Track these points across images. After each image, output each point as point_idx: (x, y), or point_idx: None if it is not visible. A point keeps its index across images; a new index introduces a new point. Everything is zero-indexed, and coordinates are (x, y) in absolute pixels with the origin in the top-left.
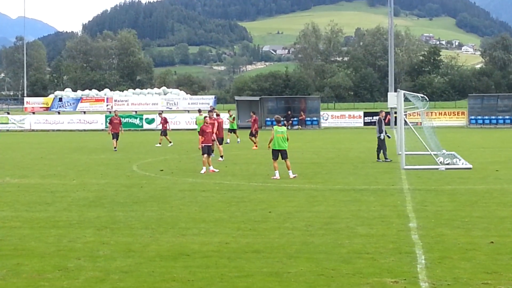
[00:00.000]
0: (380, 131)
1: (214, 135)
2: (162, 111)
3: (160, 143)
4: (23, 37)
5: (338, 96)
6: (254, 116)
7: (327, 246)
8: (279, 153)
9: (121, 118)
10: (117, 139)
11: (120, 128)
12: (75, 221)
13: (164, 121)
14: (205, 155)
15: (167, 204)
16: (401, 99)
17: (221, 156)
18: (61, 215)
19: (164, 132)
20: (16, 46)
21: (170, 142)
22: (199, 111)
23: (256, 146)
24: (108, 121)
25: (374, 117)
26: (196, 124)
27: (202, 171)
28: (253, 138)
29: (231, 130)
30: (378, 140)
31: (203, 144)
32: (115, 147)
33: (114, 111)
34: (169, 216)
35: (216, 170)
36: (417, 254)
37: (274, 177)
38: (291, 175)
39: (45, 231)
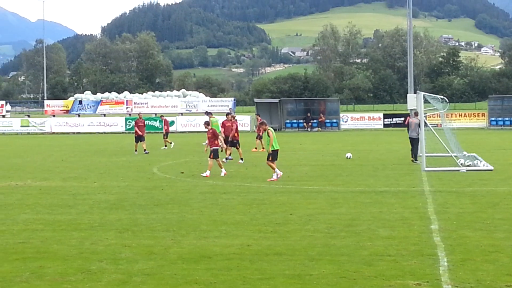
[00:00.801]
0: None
1: (222, 138)
2: (163, 114)
3: (166, 146)
4: (43, 40)
5: (357, 98)
6: (260, 118)
7: (349, 248)
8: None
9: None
10: (143, 141)
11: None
12: (97, 224)
13: (165, 123)
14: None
15: (188, 206)
16: (421, 101)
17: (241, 159)
18: (83, 217)
19: (166, 135)
20: (36, 49)
21: (171, 143)
22: (208, 113)
23: (256, 148)
24: (134, 123)
25: (394, 119)
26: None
27: (222, 174)
28: (260, 140)
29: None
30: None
31: (214, 147)
32: (136, 150)
33: (139, 114)
34: (190, 218)
35: (208, 175)
36: (439, 256)
37: (279, 175)
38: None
39: (67, 234)
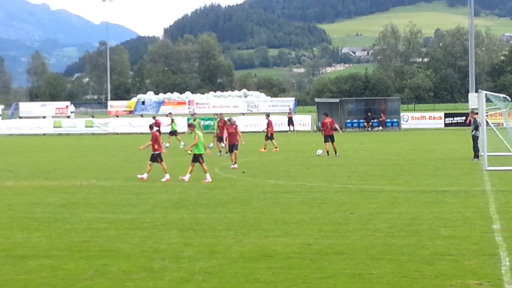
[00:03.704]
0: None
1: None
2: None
3: (168, 145)
4: (106, 42)
5: (418, 97)
6: (269, 119)
7: (410, 247)
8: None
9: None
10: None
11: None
12: (159, 223)
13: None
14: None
15: (250, 205)
16: (483, 100)
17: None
18: (146, 216)
19: (173, 133)
20: (100, 51)
21: (167, 144)
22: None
23: (264, 149)
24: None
25: (455, 118)
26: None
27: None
28: (268, 141)
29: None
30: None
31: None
32: (220, 151)
33: (219, 114)
34: (251, 217)
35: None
36: (501, 256)
37: (186, 179)
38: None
39: (130, 233)
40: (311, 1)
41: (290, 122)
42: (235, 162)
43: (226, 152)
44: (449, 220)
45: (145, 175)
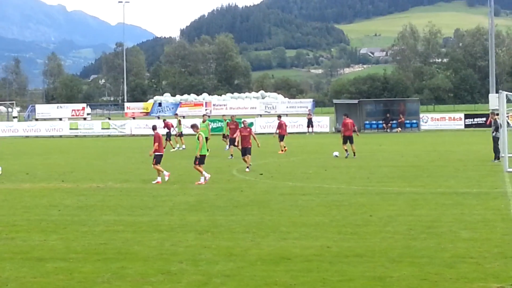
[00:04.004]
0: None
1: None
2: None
3: (179, 146)
4: (123, 43)
5: (437, 98)
6: (280, 120)
7: (430, 250)
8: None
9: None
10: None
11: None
12: (177, 225)
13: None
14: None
15: (268, 208)
16: (503, 101)
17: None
18: (163, 219)
19: (170, 137)
20: (116, 52)
21: (174, 148)
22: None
23: (282, 151)
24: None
25: (476, 119)
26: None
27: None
28: (282, 143)
29: (225, 136)
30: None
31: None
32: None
33: (231, 116)
34: (269, 220)
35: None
36: None
37: (207, 178)
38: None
39: (148, 235)
40: (329, 1)
41: (310, 123)
42: (248, 166)
43: (231, 155)
44: (470, 223)
45: (159, 179)
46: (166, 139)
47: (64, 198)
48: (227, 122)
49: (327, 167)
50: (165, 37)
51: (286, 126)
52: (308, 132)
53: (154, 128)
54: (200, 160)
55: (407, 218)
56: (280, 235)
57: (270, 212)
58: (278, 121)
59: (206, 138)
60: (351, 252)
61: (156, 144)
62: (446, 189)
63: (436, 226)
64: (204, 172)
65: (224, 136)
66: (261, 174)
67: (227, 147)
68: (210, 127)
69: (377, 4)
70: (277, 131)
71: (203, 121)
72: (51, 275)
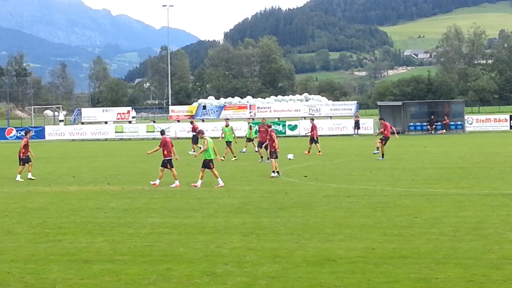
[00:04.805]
0: None
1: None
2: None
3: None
4: (167, 46)
5: (482, 100)
6: (313, 123)
7: (476, 251)
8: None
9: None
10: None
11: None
12: (222, 227)
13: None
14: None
15: (312, 210)
16: None
17: (278, 172)
18: (208, 221)
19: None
20: (161, 55)
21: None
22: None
23: (308, 152)
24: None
25: None
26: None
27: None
28: (313, 145)
29: (249, 139)
30: None
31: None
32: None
33: (262, 119)
34: (314, 221)
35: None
36: None
37: (198, 185)
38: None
39: (193, 237)
40: (372, 3)
41: (357, 125)
42: (273, 171)
43: (261, 157)
44: None
45: (157, 181)
46: (193, 142)
47: (110, 201)
48: (259, 126)
49: (371, 169)
50: (209, 40)
51: (316, 128)
52: (355, 134)
53: (162, 133)
54: (204, 164)
55: (452, 220)
56: (325, 237)
57: (315, 214)
58: (311, 124)
59: (230, 142)
60: (396, 253)
61: (161, 148)
62: (492, 191)
63: (482, 228)
64: (200, 180)
65: (248, 139)
66: (306, 176)
67: (244, 149)
68: (234, 130)
69: (420, 6)
70: (309, 133)
71: (226, 126)
72: (98, 277)
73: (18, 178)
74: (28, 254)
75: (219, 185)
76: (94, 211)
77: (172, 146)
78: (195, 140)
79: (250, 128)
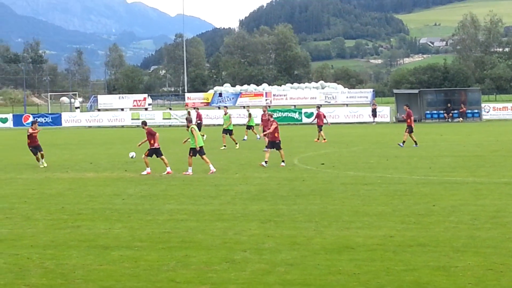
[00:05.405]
0: None
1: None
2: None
3: (258, 136)
4: (183, 34)
5: (499, 88)
6: (319, 111)
7: (495, 240)
8: None
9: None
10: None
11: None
12: (240, 214)
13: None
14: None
15: (330, 197)
16: None
17: (283, 161)
18: (226, 208)
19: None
20: (176, 43)
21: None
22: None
23: (324, 139)
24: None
25: None
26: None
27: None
28: (321, 132)
29: (249, 127)
30: None
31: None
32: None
33: (263, 107)
34: (332, 209)
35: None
36: None
37: (189, 172)
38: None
39: (211, 224)
40: None
41: (374, 113)
42: (282, 160)
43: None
44: None
45: (189, 170)
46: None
47: (127, 187)
48: (262, 114)
49: (389, 157)
50: (224, 28)
51: (324, 116)
52: (374, 122)
53: (144, 123)
54: (199, 151)
55: (470, 208)
56: (343, 224)
57: (332, 201)
58: (317, 111)
59: (229, 131)
60: (415, 241)
61: (147, 139)
62: (510, 179)
63: (500, 216)
64: (190, 168)
65: (248, 127)
66: (323, 163)
67: (258, 136)
68: (232, 118)
69: None
70: (315, 121)
71: (225, 114)
72: (117, 263)
73: (41, 163)
74: (47, 240)
75: (211, 171)
76: (112, 198)
77: (155, 134)
78: (199, 128)
79: (250, 116)
